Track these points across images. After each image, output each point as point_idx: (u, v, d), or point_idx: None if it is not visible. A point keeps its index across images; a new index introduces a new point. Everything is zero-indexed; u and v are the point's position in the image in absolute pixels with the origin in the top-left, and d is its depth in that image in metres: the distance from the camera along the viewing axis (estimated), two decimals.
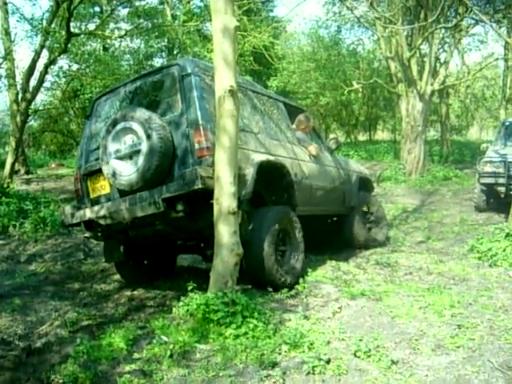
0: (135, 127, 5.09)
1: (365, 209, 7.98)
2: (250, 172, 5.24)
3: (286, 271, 5.46)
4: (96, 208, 5.39)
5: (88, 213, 5.43)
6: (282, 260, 5.56)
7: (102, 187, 5.67)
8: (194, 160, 4.97)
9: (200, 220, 5.12)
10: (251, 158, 5.33)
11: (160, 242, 5.99)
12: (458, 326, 4.17)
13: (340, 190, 7.37)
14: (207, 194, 4.77)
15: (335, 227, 7.83)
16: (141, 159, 5.03)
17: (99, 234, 5.77)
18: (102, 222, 5.35)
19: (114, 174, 5.24)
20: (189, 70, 5.23)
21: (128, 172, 5.12)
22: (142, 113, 5.11)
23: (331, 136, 8.26)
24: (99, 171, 5.56)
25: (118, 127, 5.22)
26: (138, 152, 5.07)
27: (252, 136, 5.60)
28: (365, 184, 8.29)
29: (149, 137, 4.97)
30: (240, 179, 4.92)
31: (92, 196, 5.78)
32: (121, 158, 5.21)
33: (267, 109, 6.36)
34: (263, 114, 6.16)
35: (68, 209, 5.72)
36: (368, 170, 9.57)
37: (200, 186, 4.67)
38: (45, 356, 4.10)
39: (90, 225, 5.59)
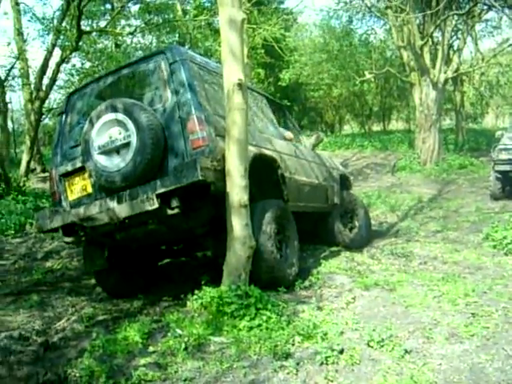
0: (123, 119, 4.71)
1: (347, 207, 7.74)
2: None
3: (286, 266, 5.23)
4: (79, 210, 4.88)
5: (69, 215, 4.91)
6: (281, 255, 5.26)
7: (83, 188, 5.23)
8: (189, 151, 4.67)
9: (194, 218, 4.82)
10: None
11: (146, 245, 5.60)
12: (473, 314, 4.15)
13: (323, 186, 7.16)
14: (204, 188, 4.56)
15: (317, 225, 7.43)
16: (130, 153, 4.65)
17: (82, 239, 5.20)
18: (86, 224, 4.84)
19: (99, 171, 4.82)
20: (177, 58, 4.95)
21: (116, 167, 4.73)
22: (129, 103, 4.76)
23: (314, 132, 8.14)
24: (78, 170, 5.19)
25: (103, 120, 4.82)
26: (126, 145, 4.70)
27: None
28: (345, 182, 8.13)
29: (138, 128, 4.61)
30: None
31: (71, 198, 5.30)
32: (107, 153, 4.81)
33: (254, 102, 6.17)
34: (251, 107, 5.86)
35: (45, 213, 5.15)
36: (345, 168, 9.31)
37: (200, 178, 4.33)
38: (62, 350, 4.15)
39: (71, 229, 5.05)
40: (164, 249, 6.01)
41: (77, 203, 5.21)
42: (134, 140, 4.66)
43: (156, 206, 4.42)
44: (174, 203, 4.49)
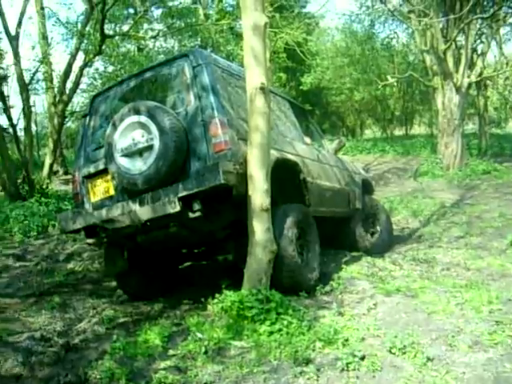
0: (146, 122, 4.74)
1: (369, 212, 7.71)
2: None
3: (306, 271, 5.21)
4: (101, 211, 4.91)
5: (91, 217, 4.97)
6: (302, 259, 5.21)
7: (106, 190, 5.29)
8: (212, 155, 4.67)
9: (215, 221, 4.81)
10: None
11: (167, 248, 5.62)
12: (497, 322, 4.07)
13: (345, 191, 7.13)
14: (226, 191, 4.55)
15: (338, 230, 7.37)
16: (153, 155, 4.68)
17: (104, 241, 5.26)
18: (108, 226, 4.88)
19: (121, 173, 4.87)
20: (200, 61, 4.97)
21: (138, 170, 4.77)
22: (152, 106, 4.79)
23: (336, 137, 8.16)
24: (101, 172, 5.27)
25: (126, 122, 4.87)
26: (149, 148, 4.73)
27: None
28: (367, 186, 8.09)
29: (161, 131, 4.64)
30: None
31: (94, 200, 5.36)
32: (130, 156, 4.85)
33: (277, 106, 6.18)
34: (274, 111, 5.85)
35: (67, 214, 5.24)
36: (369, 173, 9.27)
37: (222, 182, 4.32)
38: (82, 352, 4.17)
39: (92, 231, 5.11)
40: (185, 252, 6.01)
41: (99, 205, 5.25)
42: (156, 143, 4.68)
43: (178, 209, 4.41)
44: (196, 206, 4.49)
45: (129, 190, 4.97)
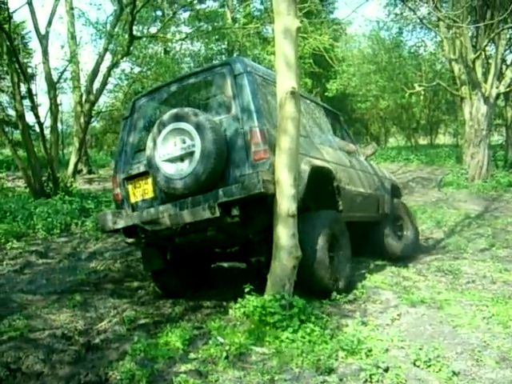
0: (188, 128, 4.84)
1: (397, 215, 7.78)
2: (301, 176, 4.98)
3: (337, 277, 5.23)
4: (142, 213, 5.11)
5: (133, 218, 5.17)
6: (333, 266, 5.24)
7: (145, 191, 5.41)
8: (251, 163, 4.77)
9: (251, 226, 4.93)
10: (302, 163, 5.10)
11: (202, 249, 5.73)
12: None
13: (375, 196, 7.17)
14: (262, 198, 4.63)
15: (367, 235, 7.40)
16: (194, 162, 4.78)
17: (143, 241, 5.43)
18: (148, 227, 5.07)
19: (162, 177, 4.97)
20: (241, 70, 5.04)
21: (179, 175, 4.87)
22: (194, 113, 4.87)
23: (369, 143, 8.13)
24: (142, 175, 5.39)
25: (168, 128, 4.97)
26: (190, 154, 4.83)
27: (301, 139, 5.18)
28: (395, 191, 8.13)
29: (203, 138, 4.73)
30: None
31: (133, 201, 5.50)
32: (171, 161, 4.96)
33: (311, 113, 6.24)
34: (308, 118, 6.00)
35: (108, 214, 5.41)
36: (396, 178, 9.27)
37: (262, 190, 4.46)
38: (103, 352, 4.16)
39: (132, 231, 5.30)
40: (219, 252, 6.08)
41: (139, 206, 5.44)
42: (197, 149, 4.78)
43: (217, 214, 4.58)
44: (234, 212, 4.64)
45: (169, 194, 5.07)
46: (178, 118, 4.95)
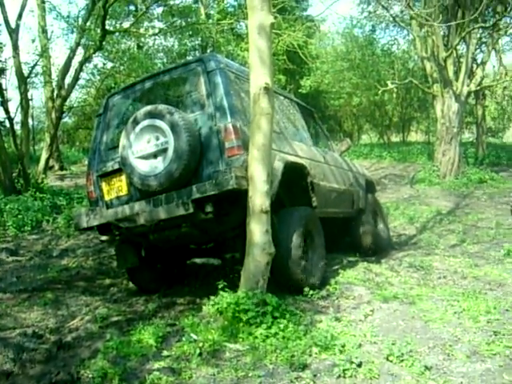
0: (161, 125, 4.84)
1: (371, 210, 7.87)
2: (275, 173, 4.97)
3: (310, 273, 5.24)
4: (116, 210, 5.12)
5: (107, 216, 5.15)
6: (306, 262, 5.29)
7: (119, 189, 5.40)
8: (224, 159, 4.79)
9: (225, 222, 4.97)
10: (276, 159, 5.09)
11: (177, 245, 5.73)
12: (494, 332, 4.04)
13: (350, 192, 7.24)
14: (236, 194, 4.64)
15: (341, 230, 7.53)
16: (168, 159, 4.78)
17: (117, 238, 5.46)
18: (122, 224, 5.08)
19: (136, 175, 4.96)
20: (214, 66, 5.06)
21: (153, 172, 4.87)
22: (167, 110, 4.86)
23: (343, 139, 8.21)
24: (115, 172, 5.38)
25: (141, 125, 4.96)
26: (164, 151, 4.83)
27: (275, 136, 5.19)
28: (370, 186, 8.20)
29: (176, 135, 4.73)
30: None
31: (107, 198, 5.49)
32: (145, 158, 4.95)
33: (285, 109, 6.26)
34: (282, 114, 6.02)
35: (82, 211, 5.41)
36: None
37: (235, 187, 4.48)
38: (75, 350, 4.13)
39: (106, 228, 5.32)
40: (194, 248, 6.09)
41: (113, 203, 5.43)
42: (171, 146, 4.78)
43: (191, 210, 4.61)
44: (208, 208, 4.67)
45: (143, 191, 5.06)
46: (151, 115, 4.94)
